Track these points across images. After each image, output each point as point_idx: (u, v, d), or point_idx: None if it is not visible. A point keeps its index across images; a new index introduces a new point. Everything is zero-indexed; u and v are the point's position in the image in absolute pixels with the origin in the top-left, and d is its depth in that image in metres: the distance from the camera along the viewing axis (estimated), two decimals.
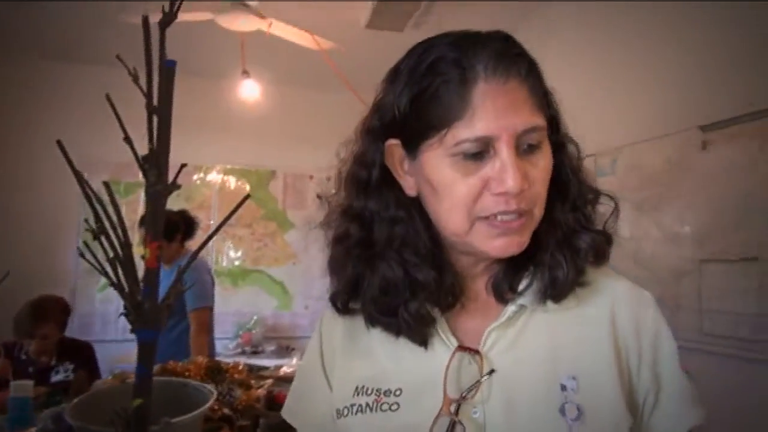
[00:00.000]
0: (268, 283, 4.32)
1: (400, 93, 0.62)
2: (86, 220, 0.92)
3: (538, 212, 0.61)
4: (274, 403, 1.60)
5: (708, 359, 2.02)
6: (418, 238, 0.65)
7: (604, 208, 0.70)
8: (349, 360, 0.70)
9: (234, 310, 3.82)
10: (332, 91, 4.06)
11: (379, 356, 0.67)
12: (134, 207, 3.90)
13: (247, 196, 1.14)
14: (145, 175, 0.86)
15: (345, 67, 3.14)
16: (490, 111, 0.56)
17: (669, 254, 2.28)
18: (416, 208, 0.66)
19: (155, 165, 0.86)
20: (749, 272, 1.95)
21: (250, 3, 2.44)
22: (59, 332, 2.31)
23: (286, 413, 0.75)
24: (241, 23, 2.47)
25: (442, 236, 0.65)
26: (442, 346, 0.64)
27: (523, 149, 0.59)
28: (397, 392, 0.64)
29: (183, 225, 2.68)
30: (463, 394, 0.61)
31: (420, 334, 0.64)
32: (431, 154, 0.60)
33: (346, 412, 0.66)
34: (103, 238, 0.83)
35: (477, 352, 0.63)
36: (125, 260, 0.87)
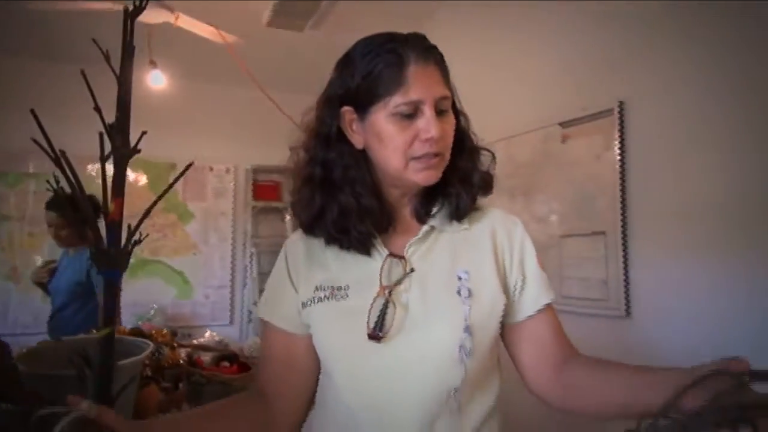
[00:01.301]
0: (168, 273, 4.31)
1: (353, 73, 0.86)
2: (48, 181, 1.07)
3: (447, 156, 0.88)
4: (196, 365, 1.74)
5: (568, 318, 2.37)
6: (365, 178, 0.89)
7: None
8: (310, 270, 0.93)
9: (132, 300, 3.79)
10: (233, 85, 4.16)
11: (332, 266, 0.92)
12: (23, 197, 3.78)
13: (189, 164, 1.30)
14: (111, 140, 1.04)
15: (247, 63, 3.27)
16: (419, 84, 0.83)
17: (537, 231, 2.62)
18: (363, 157, 0.90)
19: (120, 131, 1.04)
20: (597, 244, 2.32)
21: None
22: None
23: (261, 312, 0.97)
24: (149, 15, 2.54)
25: (380, 176, 0.91)
26: (378, 255, 0.90)
27: (438, 111, 0.85)
28: (346, 287, 0.89)
29: (92, 209, 2.68)
30: (393, 285, 0.86)
31: (365, 246, 0.89)
32: (378, 115, 0.85)
33: (309, 303, 0.90)
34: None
35: (402, 257, 0.89)
36: (90, 218, 1.05)
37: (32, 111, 0.94)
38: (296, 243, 0.97)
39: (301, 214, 0.93)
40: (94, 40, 0.95)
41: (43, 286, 2.77)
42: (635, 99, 2.18)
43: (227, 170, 4.60)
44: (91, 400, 0.81)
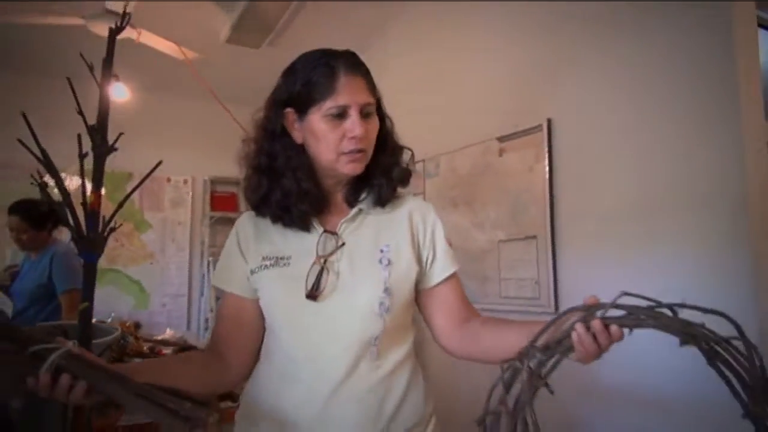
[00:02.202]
0: (125, 283, 4.36)
1: (295, 81, 1.04)
2: (32, 175, 1.22)
3: (370, 152, 1.06)
4: (157, 354, 1.87)
5: (506, 316, 2.58)
6: (304, 165, 1.07)
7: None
8: (258, 244, 1.10)
9: None
10: (191, 98, 4.27)
11: (277, 241, 1.10)
12: None
13: (160, 162, 1.45)
14: (92, 138, 1.19)
15: (206, 78, 3.39)
16: (347, 91, 1.01)
17: (477, 238, 2.83)
18: (302, 150, 1.08)
19: (100, 131, 1.19)
20: (530, 248, 2.53)
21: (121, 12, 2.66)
22: None
23: (215, 280, 1.15)
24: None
25: (316, 167, 1.09)
26: (316, 231, 1.08)
27: (363, 115, 1.02)
28: (289, 257, 1.07)
29: (52, 216, 2.76)
30: (327, 255, 1.05)
31: (304, 223, 1.08)
32: (314, 116, 1.03)
33: (256, 270, 1.07)
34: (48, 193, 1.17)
35: (335, 233, 1.08)
36: (70, 207, 1.20)
37: (23, 114, 1.08)
38: (245, 221, 1.15)
39: (251, 196, 1.10)
40: (81, 55, 1.10)
41: (5, 289, 2.82)
42: (562, 116, 2.42)
43: (185, 181, 4.69)
44: None
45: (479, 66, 2.93)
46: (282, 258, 1.06)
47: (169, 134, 4.47)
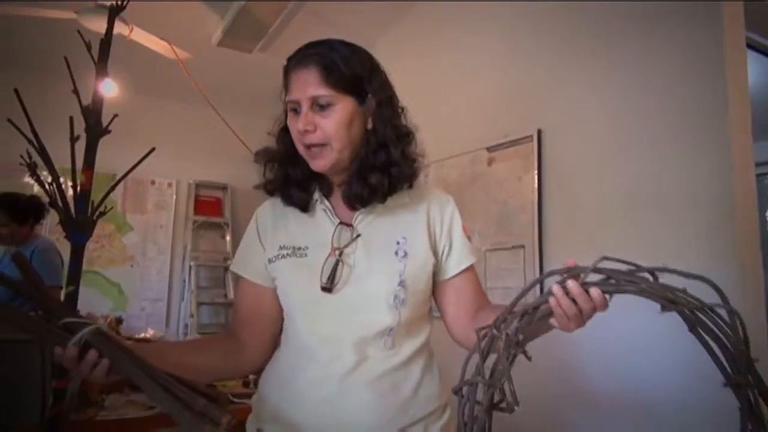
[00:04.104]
0: (104, 285, 4.28)
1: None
2: (21, 156, 1.20)
3: (338, 146, 1.01)
4: None
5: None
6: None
7: None
8: (276, 232, 1.11)
9: None
10: (179, 101, 4.25)
11: (294, 230, 1.10)
12: None
13: (152, 149, 1.43)
14: (86, 120, 1.17)
15: (196, 80, 3.38)
16: (295, 86, 1.01)
17: None
18: None
19: (94, 114, 1.17)
20: (518, 257, 2.55)
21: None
22: None
23: (234, 267, 1.16)
24: (104, 25, 2.64)
25: None
26: (331, 223, 1.08)
27: (318, 107, 1.00)
28: (306, 248, 1.07)
29: (35, 210, 2.72)
30: (343, 247, 1.05)
31: (304, 208, 1.09)
32: (288, 112, 1.05)
33: (274, 259, 1.08)
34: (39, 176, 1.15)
35: (350, 225, 1.07)
36: (59, 189, 1.18)
37: (15, 91, 1.06)
38: (265, 211, 1.16)
39: (268, 183, 1.12)
40: (65, 59, 1.09)
41: None
42: (551, 127, 2.45)
43: (169, 184, 4.64)
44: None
45: (469, 76, 2.96)
46: (299, 248, 1.07)
47: (155, 136, 4.37)
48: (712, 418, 1.62)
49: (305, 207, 1.10)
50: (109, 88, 3.27)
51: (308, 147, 1.02)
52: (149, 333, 2.12)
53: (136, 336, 2.07)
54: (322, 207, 1.10)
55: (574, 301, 0.76)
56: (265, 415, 1.08)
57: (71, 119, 1.14)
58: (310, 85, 0.99)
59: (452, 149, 2.97)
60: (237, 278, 1.17)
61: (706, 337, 0.69)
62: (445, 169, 3.04)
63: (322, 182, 1.11)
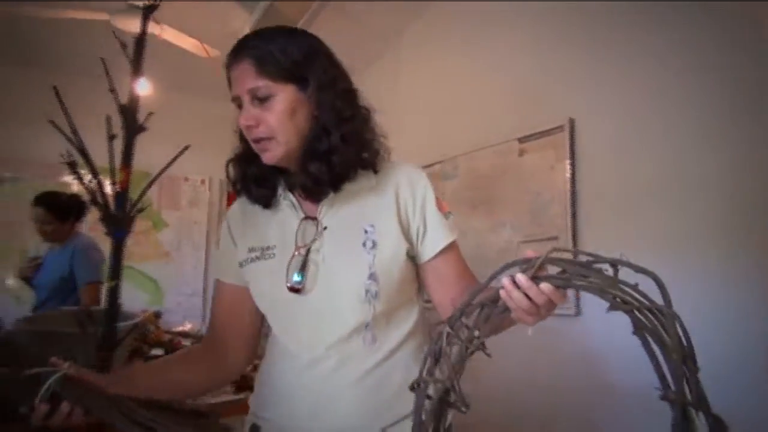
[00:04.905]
0: (141, 280, 4.37)
1: None
2: (62, 155, 1.23)
3: (284, 138, 0.97)
4: (174, 347, 1.87)
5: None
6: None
7: None
8: (244, 232, 1.09)
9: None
10: (210, 98, 4.28)
11: (261, 226, 1.07)
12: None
13: (187, 147, 1.46)
14: (124, 118, 1.19)
15: (224, 77, 3.41)
16: (234, 82, 0.98)
17: (496, 239, 2.82)
18: None
19: (130, 113, 1.20)
20: (538, 248, 2.52)
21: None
22: None
23: (213, 272, 1.14)
24: (136, 25, 2.68)
25: None
26: (296, 218, 1.04)
27: (257, 99, 0.96)
28: (273, 247, 1.03)
29: (75, 208, 2.81)
30: (309, 243, 1.01)
31: (266, 205, 1.06)
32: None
33: (244, 263, 1.06)
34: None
35: (315, 218, 1.03)
36: (100, 187, 1.21)
37: (55, 88, 1.08)
38: (234, 211, 1.14)
39: (232, 183, 1.10)
40: (102, 60, 1.11)
41: (28, 280, 2.85)
42: (584, 116, 2.40)
43: (202, 181, 4.71)
44: (93, 350, 0.96)
45: (499, 66, 2.93)
46: (267, 248, 1.04)
47: (187, 133, 4.46)
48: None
49: (267, 203, 1.06)
50: (143, 87, 3.36)
51: (256, 141, 0.98)
52: (187, 326, 2.18)
53: (174, 329, 2.13)
54: (286, 202, 1.06)
55: (526, 295, 0.73)
56: (259, 411, 1.07)
57: (108, 118, 1.16)
58: (246, 78, 0.96)
59: (482, 141, 2.95)
60: (216, 282, 1.15)
61: (651, 342, 0.63)
62: (475, 161, 3.02)
63: (287, 176, 1.06)
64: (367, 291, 0.97)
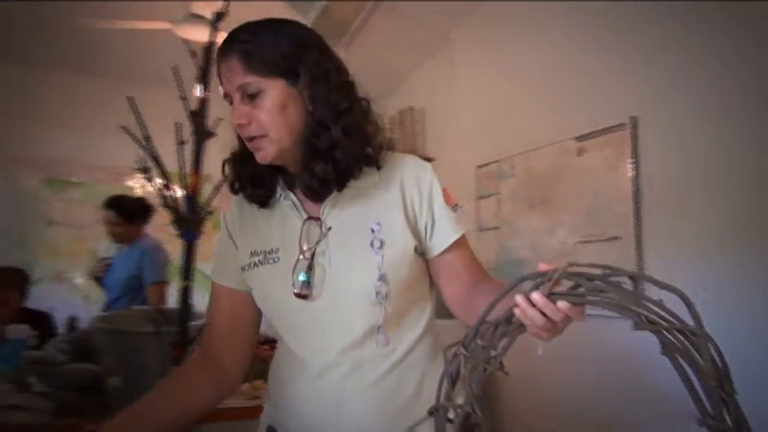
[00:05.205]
0: (203, 280, 4.46)
1: None
2: (136, 161, 1.27)
3: (276, 135, 0.92)
4: None
5: (585, 322, 2.51)
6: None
7: None
8: (245, 234, 1.04)
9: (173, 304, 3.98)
10: None
11: (262, 228, 1.02)
12: (68, 204, 4.02)
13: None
14: (194, 124, 1.23)
15: None
16: (223, 78, 0.94)
17: (553, 239, 2.77)
18: None
19: (200, 117, 1.24)
20: (612, 249, 2.45)
21: (205, 15, 2.76)
22: (21, 299, 2.48)
23: (215, 276, 1.07)
24: (197, 33, 2.76)
25: None
26: (299, 218, 0.99)
27: (247, 96, 0.91)
28: (276, 250, 0.99)
29: (143, 210, 2.94)
30: (314, 246, 0.96)
31: (263, 204, 1.01)
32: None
33: (247, 267, 1.01)
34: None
35: (318, 219, 0.98)
36: (170, 192, 1.24)
37: (129, 99, 1.13)
38: (232, 212, 1.08)
39: (230, 183, 1.05)
40: (175, 69, 1.14)
41: (99, 280, 3.00)
42: (647, 113, 2.32)
43: None
44: (167, 348, 0.99)
45: (556, 63, 2.87)
46: (270, 252, 0.99)
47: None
48: None
49: (264, 203, 1.02)
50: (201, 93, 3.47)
51: (249, 140, 0.94)
52: None
53: None
54: (287, 202, 1.00)
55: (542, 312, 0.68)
56: (274, 416, 1.05)
57: (177, 124, 1.20)
58: (234, 74, 0.91)
59: (538, 140, 2.89)
60: (213, 287, 1.09)
61: (683, 363, 0.58)
62: (531, 161, 2.97)
63: (286, 175, 1.02)
64: (377, 293, 0.93)
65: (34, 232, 3.95)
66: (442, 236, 0.99)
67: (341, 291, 0.94)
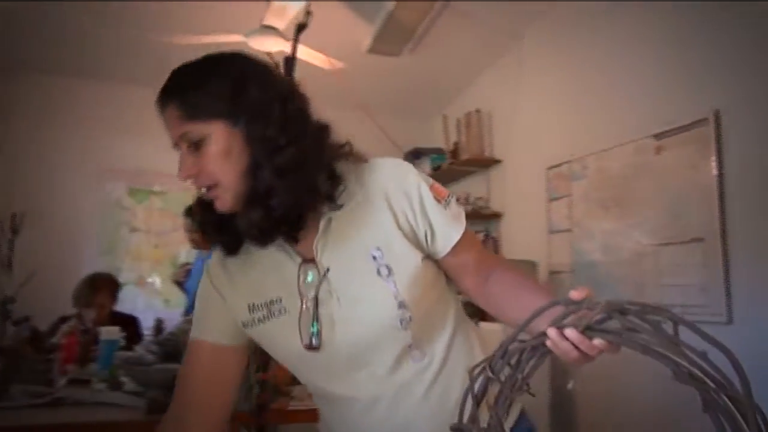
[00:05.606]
0: None
1: None
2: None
3: (226, 182, 0.85)
4: None
5: (667, 327, 2.42)
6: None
7: None
8: (233, 288, 0.95)
9: None
10: (336, 108, 4.45)
11: (258, 278, 0.93)
12: (150, 213, 4.23)
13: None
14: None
15: (347, 88, 3.47)
16: (167, 127, 0.87)
17: (630, 241, 2.67)
18: None
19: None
20: (697, 251, 2.34)
21: (278, 27, 2.84)
22: (112, 303, 2.63)
23: (194, 332, 0.98)
24: (269, 44, 2.85)
25: None
26: (292, 261, 0.91)
27: (192, 145, 0.85)
28: (279, 300, 0.91)
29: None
30: (316, 292, 0.88)
31: (230, 246, 0.93)
32: None
33: (250, 324, 0.93)
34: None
35: (313, 260, 0.90)
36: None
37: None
38: (215, 262, 1.00)
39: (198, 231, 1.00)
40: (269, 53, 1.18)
41: (180, 285, 3.13)
42: (731, 107, 2.22)
43: None
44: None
45: (629, 59, 2.78)
46: (272, 303, 0.92)
47: None
48: None
49: (234, 251, 0.93)
50: None
51: (206, 189, 0.87)
52: None
53: None
54: (273, 246, 0.90)
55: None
56: None
57: None
58: (173, 125, 0.86)
59: (613, 139, 2.82)
60: (191, 344, 0.99)
61: (725, 424, 0.53)
62: (604, 161, 2.89)
63: None
64: (401, 320, 0.87)
65: (120, 239, 4.18)
66: (445, 239, 0.93)
67: (361, 331, 0.88)
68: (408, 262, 0.89)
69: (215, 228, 0.91)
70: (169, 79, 0.88)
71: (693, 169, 2.38)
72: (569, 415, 2.96)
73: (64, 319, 2.50)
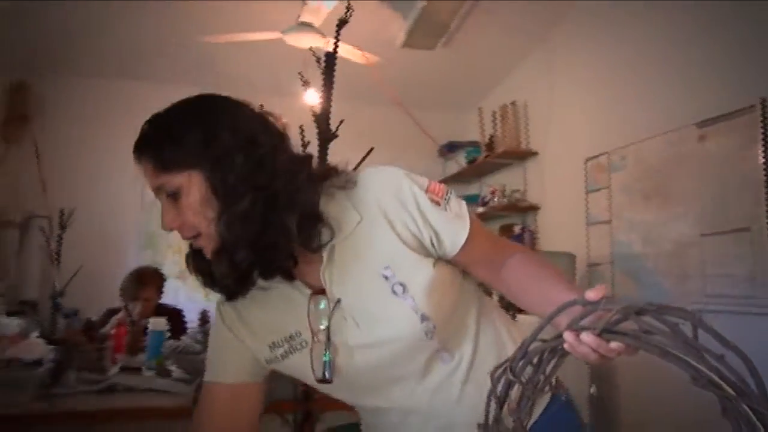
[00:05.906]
0: None
1: None
2: None
3: (207, 231, 0.82)
4: None
5: (713, 317, 2.36)
6: None
7: None
8: (251, 331, 0.94)
9: None
10: (368, 102, 4.45)
11: (272, 316, 0.93)
12: None
13: (371, 149, 1.54)
14: (318, 126, 1.29)
15: (382, 80, 3.44)
16: (146, 180, 0.84)
17: (673, 232, 2.63)
18: None
19: (324, 120, 1.29)
20: (743, 241, 2.28)
21: (314, 23, 2.87)
22: (158, 296, 2.71)
23: (208, 375, 0.96)
24: (305, 41, 2.87)
25: None
26: (301, 294, 0.89)
27: (170, 196, 0.82)
28: (298, 333, 0.90)
29: None
30: (328, 323, 0.87)
31: (231, 291, 0.89)
32: None
33: (273, 361, 0.93)
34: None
35: (323, 291, 0.88)
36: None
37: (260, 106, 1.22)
38: (226, 307, 0.96)
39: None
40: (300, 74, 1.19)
41: None
42: None
43: None
44: None
45: (669, 48, 2.73)
46: (291, 338, 0.91)
47: (351, 141, 4.71)
48: None
49: (235, 296, 0.90)
50: (313, 98, 3.56)
51: (191, 238, 0.85)
52: None
53: None
54: (279, 279, 0.88)
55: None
56: None
57: (301, 127, 1.26)
58: (149, 176, 0.84)
59: (653, 128, 2.77)
60: (206, 388, 0.97)
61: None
62: (644, 151, 2.84)
63: None
64: (426, 332, 0.86)
65: (161, 234, 4.26)
66: (452, 241, 0.90)
67: (385, 352, 0.88)
68: (421, 273, 0.87)
69: (212, 275, 0.87)
70: (142, 132, 0.86)
71: (738, 157, 2.33)
72: (610, 411, 2.93)
73: (112, 311, 2.58)
